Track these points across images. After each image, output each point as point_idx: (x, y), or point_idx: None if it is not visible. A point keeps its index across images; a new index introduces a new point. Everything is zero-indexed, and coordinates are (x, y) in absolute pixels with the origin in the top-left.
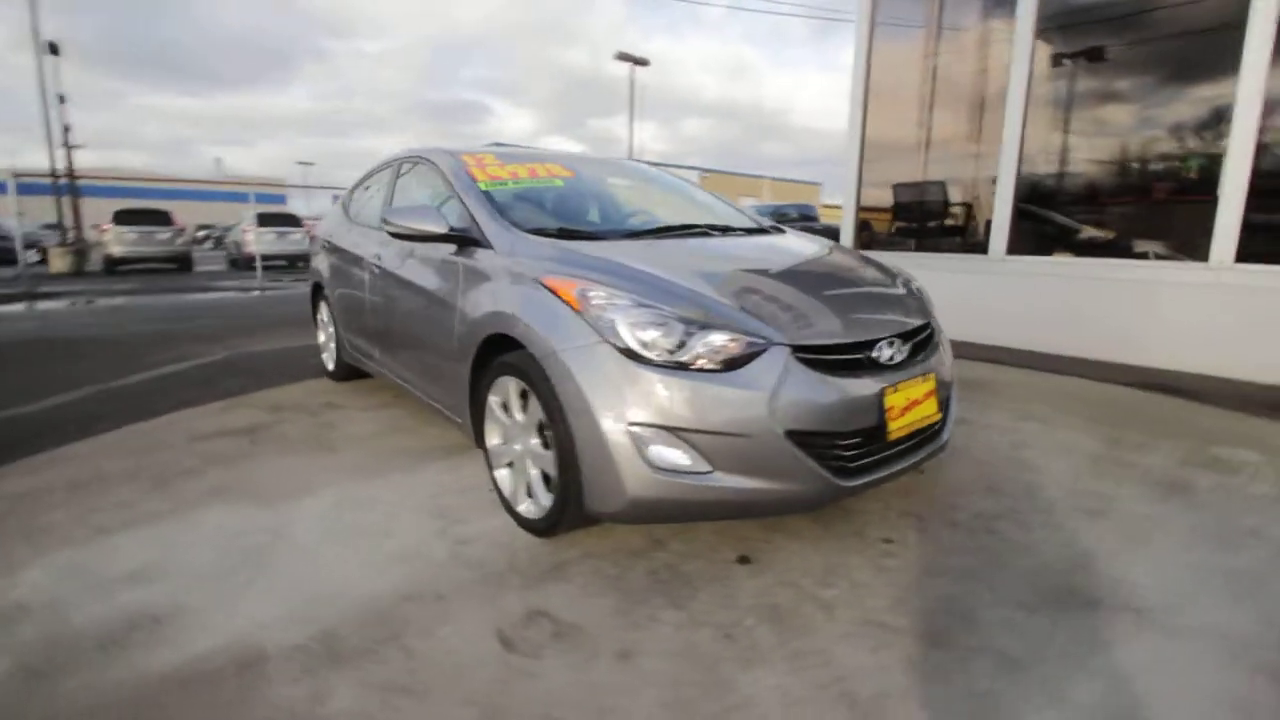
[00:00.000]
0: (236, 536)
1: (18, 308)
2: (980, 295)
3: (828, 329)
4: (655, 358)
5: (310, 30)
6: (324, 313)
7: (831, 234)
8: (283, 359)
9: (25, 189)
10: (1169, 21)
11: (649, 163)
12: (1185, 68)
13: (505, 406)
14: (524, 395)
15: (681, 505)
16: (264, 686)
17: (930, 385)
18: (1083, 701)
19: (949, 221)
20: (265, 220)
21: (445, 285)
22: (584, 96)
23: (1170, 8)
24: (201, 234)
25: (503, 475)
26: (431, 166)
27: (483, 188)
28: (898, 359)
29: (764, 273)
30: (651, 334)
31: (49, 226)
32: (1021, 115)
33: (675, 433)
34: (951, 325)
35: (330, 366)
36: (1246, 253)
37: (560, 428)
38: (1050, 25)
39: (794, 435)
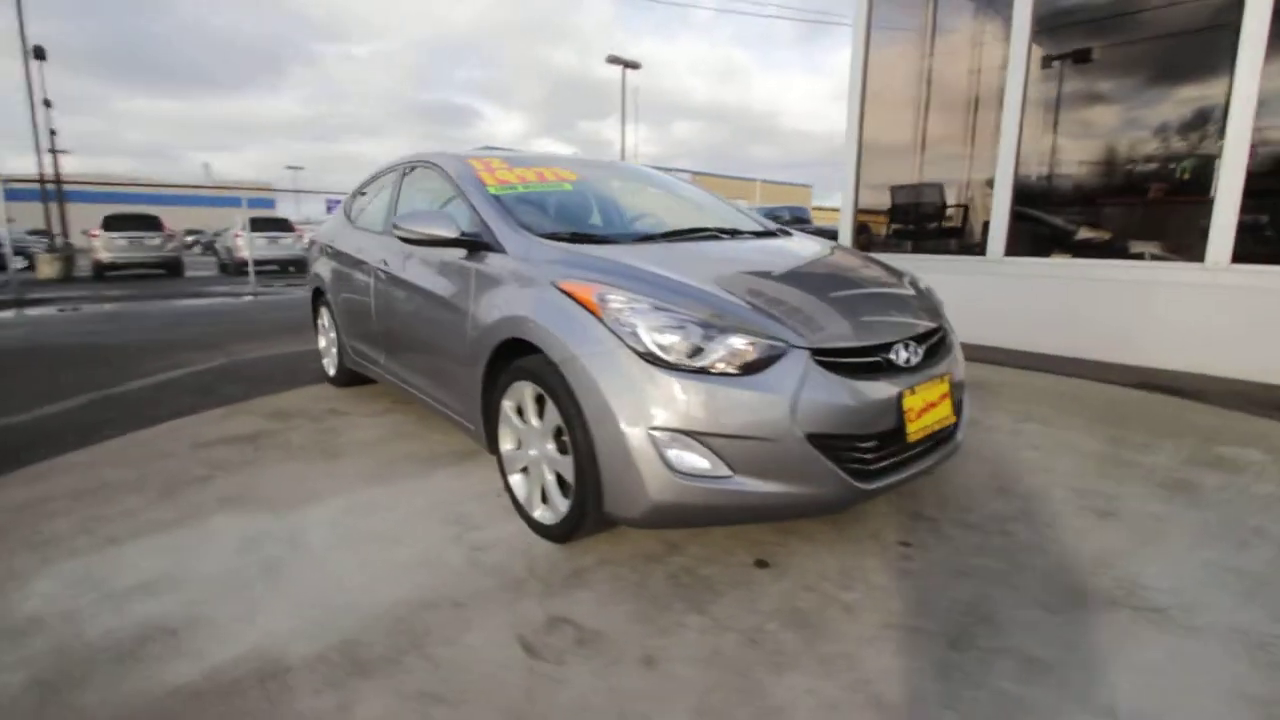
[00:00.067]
0: (247, 545)
1: (7, 314)
2: (979, 296)
3: (845, 332)
4: (676, 362)
5: (298, 33)
6: (325, 318)
7: (828, 236)
8: (281, 365)
9: (12, 195)
10: (1162, 23)
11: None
12: (1179, 70)
13: (520, 411)
14: (540, 400)
15: (703, 509)
16: (288, 698)
17: (945, 387)
18: (1110, 702)
19: (946, 223)
20: (257, 225)
21: (456, 290)
22: (574, 99)
23: (1163, 8)
24: (190, 239)
25: (516, 481)
26: (437, 171)
27: (492, 192)
28: (914, 362)
29: (778, 276)
30: (672, 338)
31: (35, 233)
32: (1018, 118)
33: (697, 437)
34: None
35: (331, 372)
36: (1243, 253)
37: (579, 433)
38: (1045, 28)
39: (815, 438)
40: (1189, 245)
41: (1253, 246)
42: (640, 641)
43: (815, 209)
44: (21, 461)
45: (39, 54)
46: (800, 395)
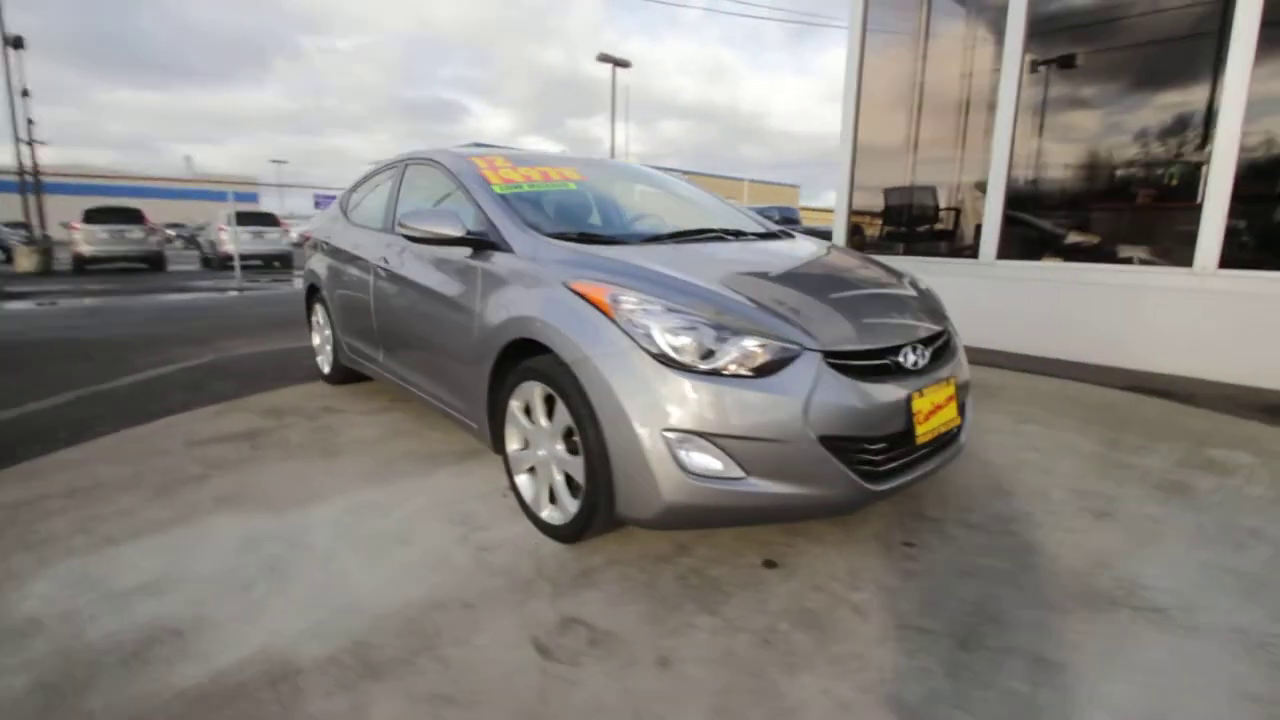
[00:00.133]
0: (249, 545)
1: None
2: (971, 299)
3: (856, 334)
4: (690, 363)
5: (282, 25)
6: (319, 315)
7: (821, 237)
8: (272, 361)
9: None
10: (1154, 30)
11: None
12: (1168, 77)
13: (528, 411)
14: (549, 400)
15: (715, 510)
16: (299, 701)
17: (951, 390)
18: (1119, 700)
19: (939, 226)
20: (242, 219)
21: (461, 289)
22: (562, 96)
23: (1154, 15)
24: (171, 232)
25: (523, 481)
26: (439, 169)
27: (497, 190)
28: (921, 364)
29: (786, 278)
30: (685, 340)
31: (13, 225)
32: (1011, 122)
33: (710, 438)
34: None
35: (326, 370)
36: (1230, 258)
37: (591, 433)
38: (1037, 32)
39: (827, 440)
40: (1177, 250)
41: (1239, 252)
42: (653, 642)
43: (803, 209)
44: (17, 457)
45: (17, 43)
46: (813, 397)
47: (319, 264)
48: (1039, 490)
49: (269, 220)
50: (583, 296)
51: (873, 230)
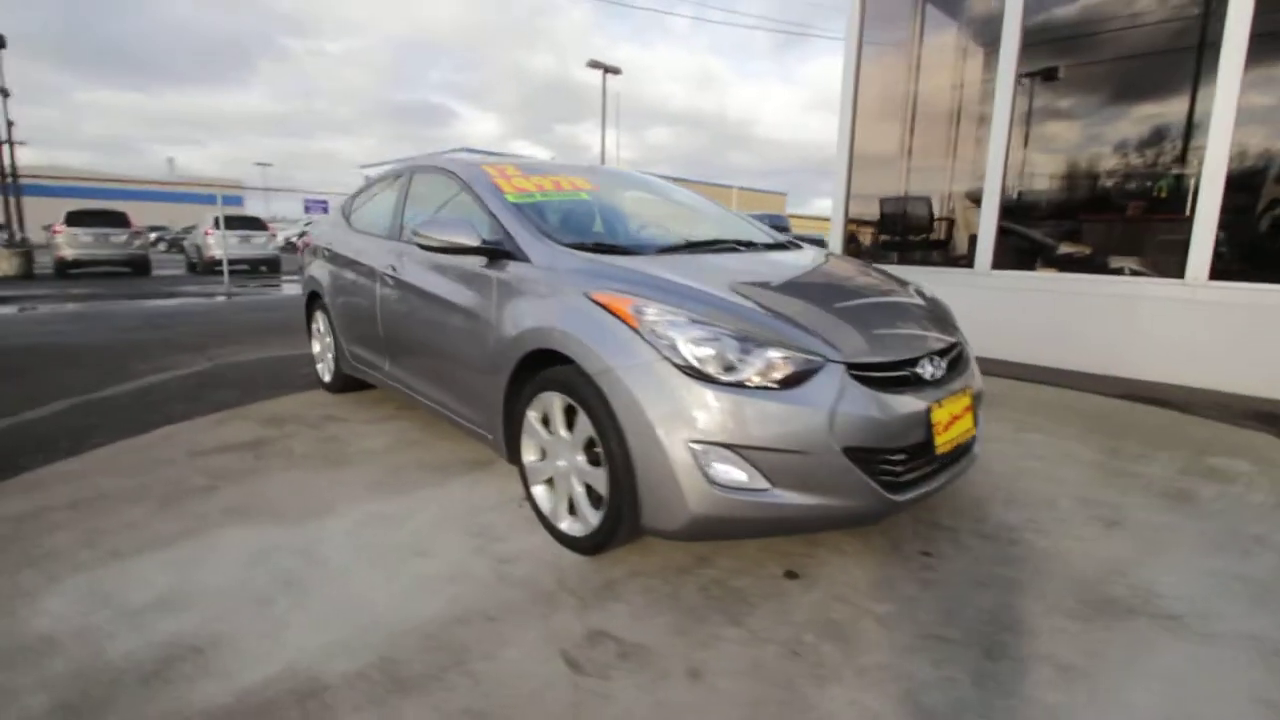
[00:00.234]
0: (262, 558)
1: None
2: (968, 308)
3: (876, 346)
4: (715, 375)
5: (269, 27)
6: (320, 322)
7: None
8: (268, 369)
9: None
10: (1146, 44)
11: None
12: (1160, 90)
13: (546, 422)
14: (569, 411)
15: (740, 522)
16: (328, 718)
17: (968, 401)
18: (1143, 708)
19: (934, 235)
20: (229, 223)
21: (476, 298)
22: (551, 101)
23: (1146, 28)
24: (153, 235)
25: (540, 492)
26: (449, 177)
27: (511, 200)
28: (938, 375)
29: (804, 289)
30: (710, 351)
31: None
32: (1006, 135)
33: (736, 449)
34: None
35: (326, 378)
36: (1221, 270)
37: (615, 445)
38: (1032, 49)
39: (850, 452)
40: (1169, 262)
41: (1229, 263)
42: (682, 654)
43: (791, 216)
44: (16, 469)
45: None
46: (837, 409)
47: (320, 271)
48: (1046, 499)
49: (256, 224)
50: (605, 307)
51: (868, 239)
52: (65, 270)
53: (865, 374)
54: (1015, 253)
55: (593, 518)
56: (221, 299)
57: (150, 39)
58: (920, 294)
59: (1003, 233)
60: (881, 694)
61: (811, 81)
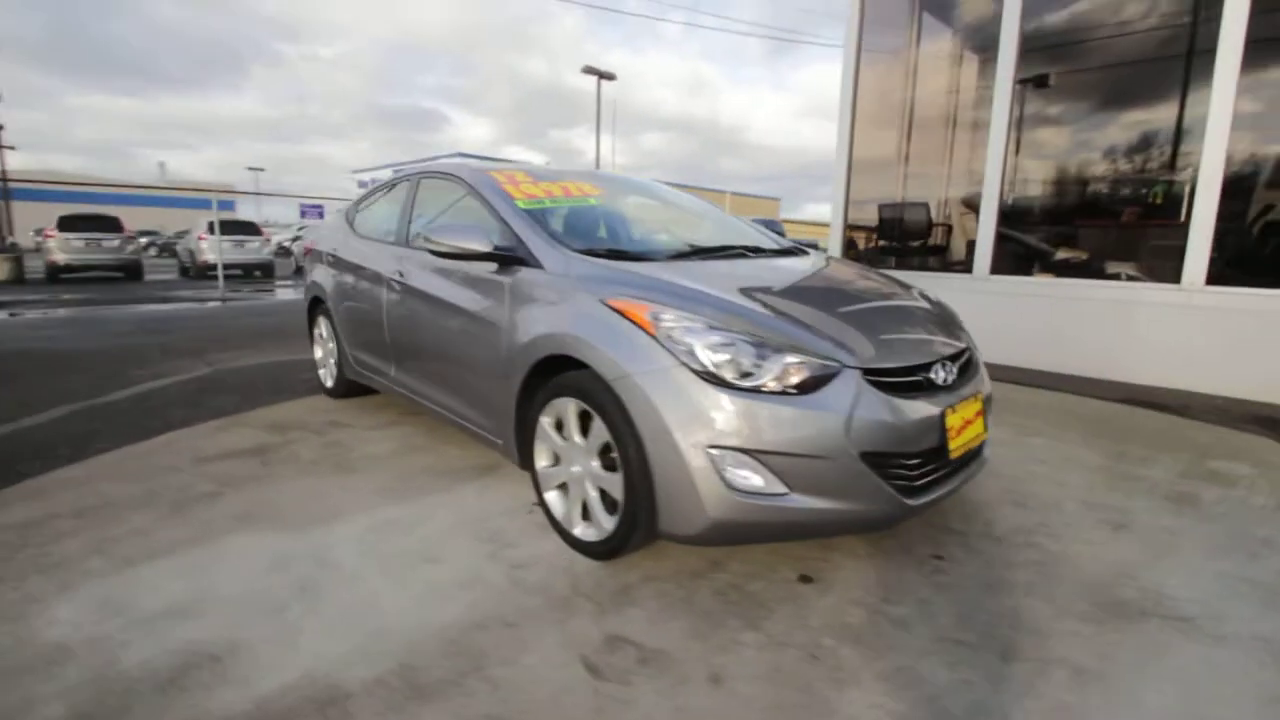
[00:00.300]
0: (274, 565)
1: None
2: (967, 313)
3: (891, 351)
4: (733, 381)
5: (261, 32)
6: (323, 328)
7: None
8: (268, 374)
9: None
10: (1139, 51)
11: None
12: (1154, 97)
13: (559, 427)
14: (584, 416)
15: (757, 526)
16: None
17: (979, 405)
18: (1158, 709)
19: (932, 241)
20: (223, 228)
21: (487, 304)
22: (544, 107)
23: (1140, 34)
24: (144, 240)
25: (553, 497)
26: (457, 183)
27: (521, 206)
28: (950, 380)
29: (815, 294)
30: (728, 356)
31: None
32: (1004, 142)
33: (754, 455)
34: None
35: (329, 384)
36: (1217, 275)
37: (632, 450)
38: (1029, 56)
39: (867, 456)
40: (1165, 267)
41: (1224, 268)
42: (702, 659)
43: (785, 221)
44: (19, 475)
45: None
46: (854, 414)
47: (323, 276)
48: (1053, 502)
49: (250, 229)
50: (622, 314)
51: (866, 244)
52: (57, 275)
53: (880, 379)
54: (1013, 258)
55: (607, 523)
56: (216, 304)
57: (142, 44)
58: (925, 298)
59: (1000, 238)
60: (903, 698)
61: (803, 88)
